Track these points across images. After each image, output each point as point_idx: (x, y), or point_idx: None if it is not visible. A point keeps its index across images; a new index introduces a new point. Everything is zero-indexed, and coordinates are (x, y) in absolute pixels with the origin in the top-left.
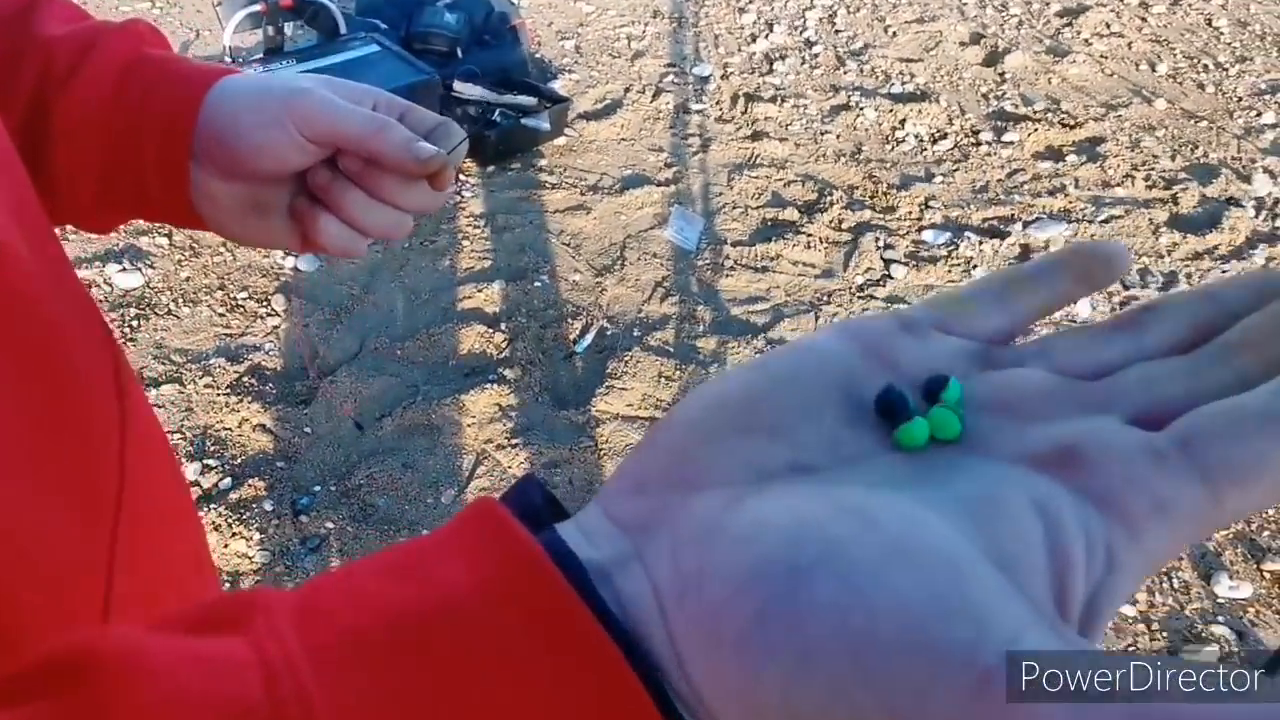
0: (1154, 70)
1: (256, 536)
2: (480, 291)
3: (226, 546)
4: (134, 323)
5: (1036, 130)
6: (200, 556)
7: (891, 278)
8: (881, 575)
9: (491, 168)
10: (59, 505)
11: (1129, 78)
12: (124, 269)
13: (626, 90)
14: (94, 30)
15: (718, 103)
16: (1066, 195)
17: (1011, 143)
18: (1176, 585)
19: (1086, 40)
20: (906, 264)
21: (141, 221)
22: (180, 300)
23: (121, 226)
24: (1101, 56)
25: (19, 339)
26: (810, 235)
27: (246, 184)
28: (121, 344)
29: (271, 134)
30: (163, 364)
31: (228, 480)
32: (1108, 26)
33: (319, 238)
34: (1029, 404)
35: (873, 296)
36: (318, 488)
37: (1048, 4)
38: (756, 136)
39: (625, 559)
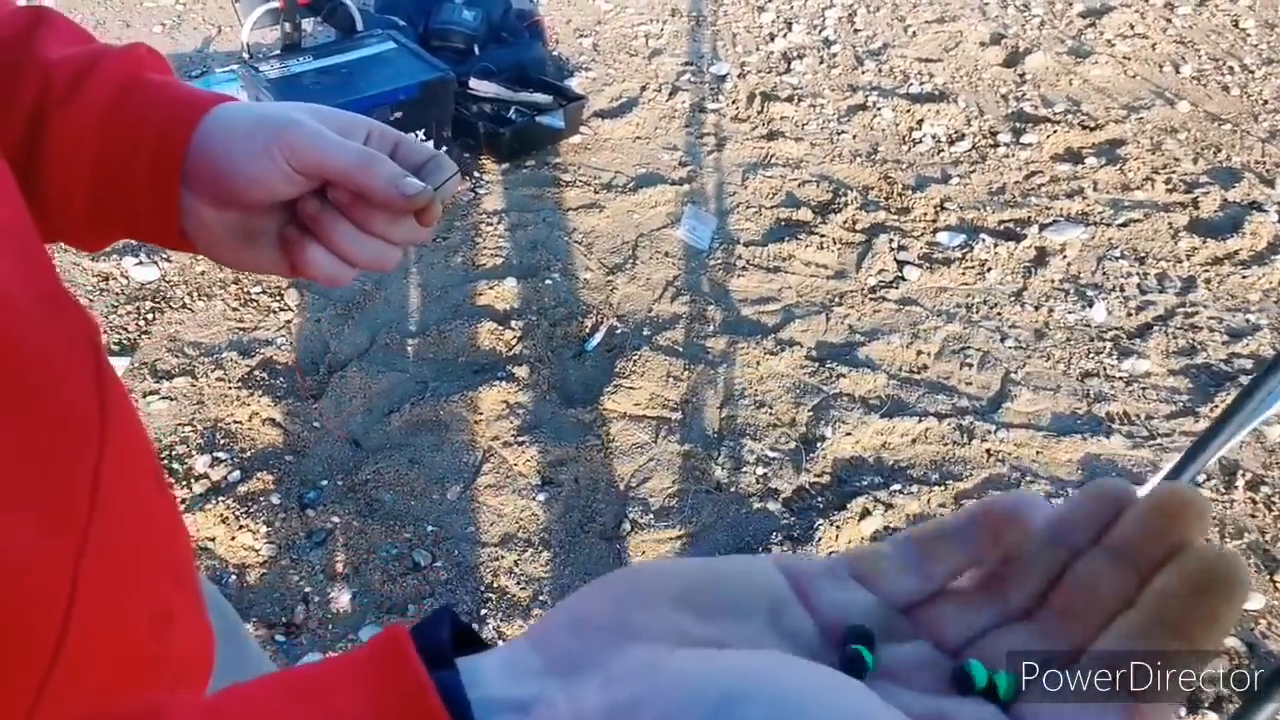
0: (1178, 72)
1: (263, 529)
2: (491, 288)
3: (234, 539)
4: (149, 315)
5: (1056, 132)
6: (181, 570)
7: (905, 279)
8: (807, 706)
9: (506, 165)
10: (23, 515)
11: (1152, 79)
12: (140, 262)
13: (643, 88)
14: (94, 53)
15: (734, 102)
16: (1084, 198)
17: (1030, 144)
18: None
19: (1109, 41)
20: (920, 266)
21: None
22: (195, 294)
23: None
24: (1124, 58)
25: None
26: (824, 236)
27: (237, 211)
28: (136, 336)
29: (262, 165)
30: (176, 356)
31: (236, 473)
32: (1131, 27)
33: (306, 267)
34: (908, 675)
35: (885, 298)
36: (325, 482)
37: (1070, 4)
38: (772, 136)
39: (549, 695)
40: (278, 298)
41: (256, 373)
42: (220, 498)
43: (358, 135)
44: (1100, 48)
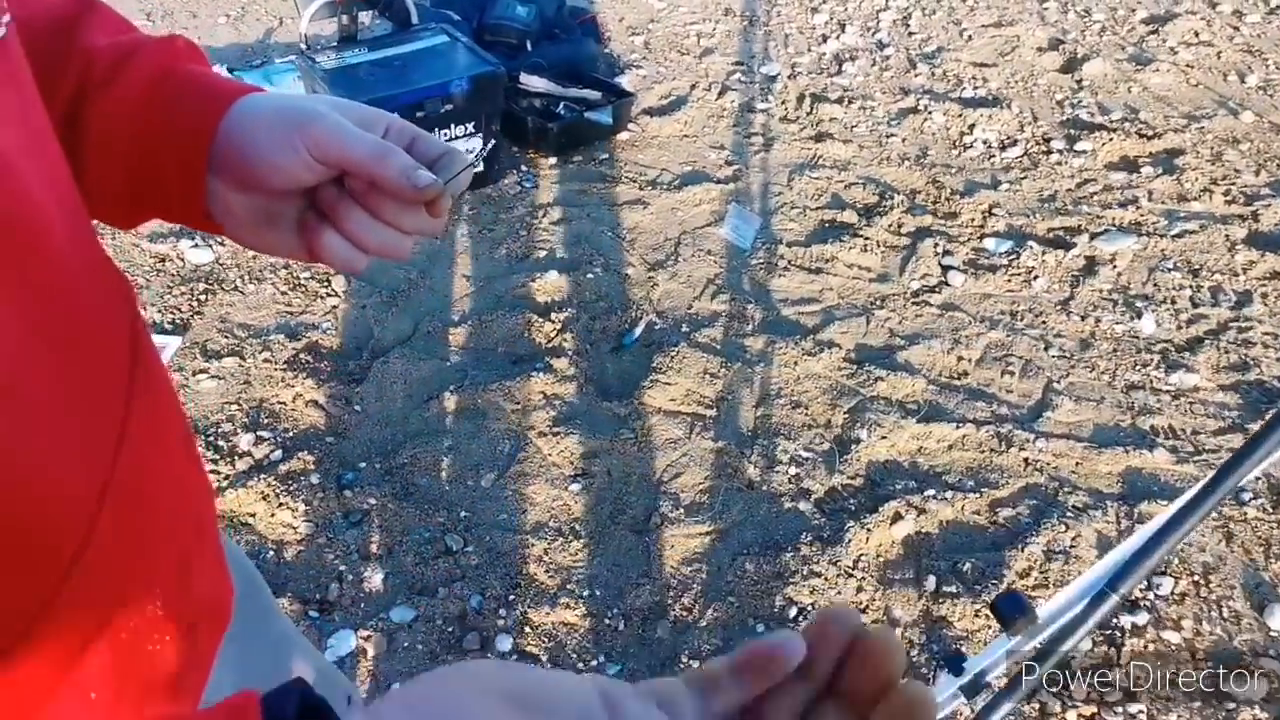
0: (1243, 81)
1: (302, 508)
2: (534, 281)
3: (273, 516)
4: (202, 297)
5: (1111, 140)
6: (202, 523)
7: (948, 285)
8: None
9: (554, 160)
10: (57, 436)
11: (1215, 88)
12: (196, 245)
13: (692, 87)
14: (134, 43)
15: (783, 102)
16: (1138, 208)
17: (1084, 152)
18: (1226, 614)
19: (1172, 49)
20: (965, 271)
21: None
22: (247, 277)
23: None
24: (1187, 66)
25: (39, 284)
26: (868, 239)
27: (260, 196)
28: (189, 316)
29: (284, 153)
30: (226, 337)
31: (279, 452)
32: (1196, 35)
33: (322, 251)
34: None
35: (927, 303)
36: (363, 464)
37: (1133, 11)
38: (820, 137)
39: None
40: (326, 284)
41: (302, 356)
42: (262, 475)
43: (377, 129)
44: (1162, 55)
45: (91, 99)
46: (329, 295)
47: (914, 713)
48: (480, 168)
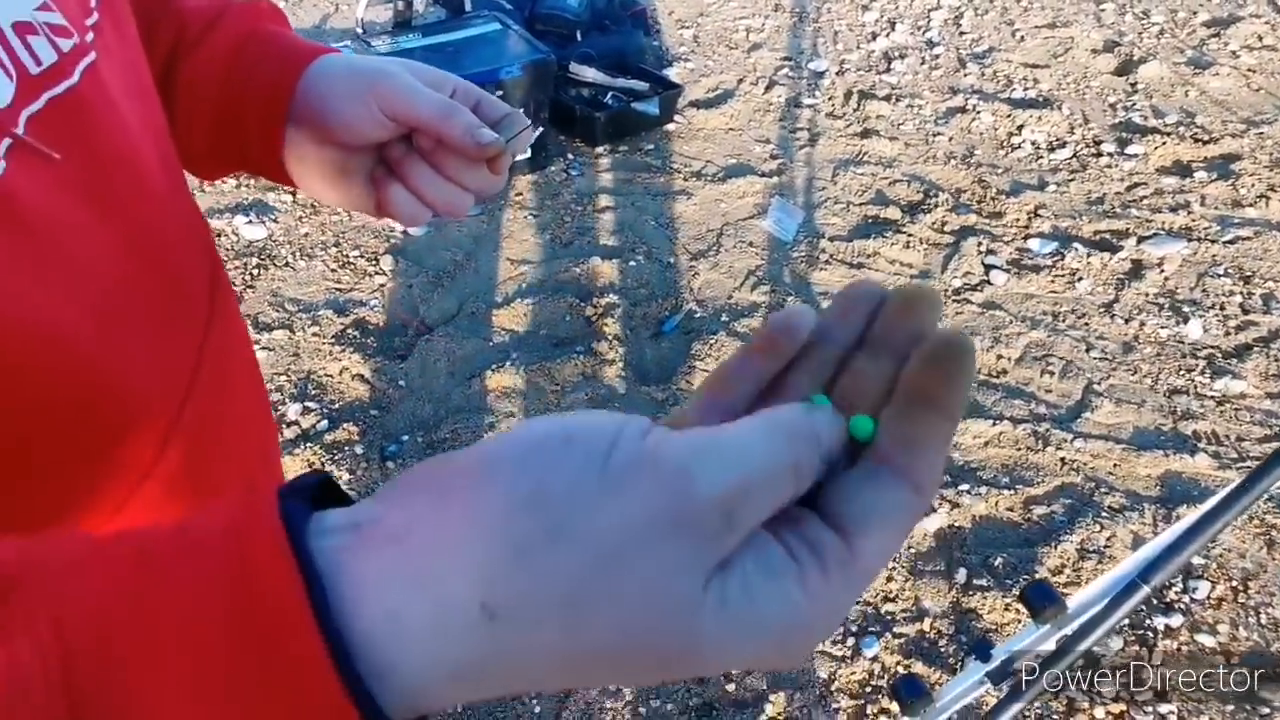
0: None
1: (345, 477)
2: (577, 266)
3: None
4: (254, 271)
5: (1165, 144)
6: (268, 452)
7: (990, 283)
8: (594, 422)
9: (600, 149)
10: (144, 346)
11: (1277, 93)
12: (250, 221)
13: (740, 81)
14: (222, 5)
15: (830, 98)
16: (1190, 213)
17: (1135, 155)
18: (1264, 621)
19: (1234, 52)
20: (1008, 271)
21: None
22: (298, 253)
23: (250, 183)
24: (1249, 70)
25: (138, 216)
26: (911, 235)
27: (334, 151)
28: (241, 290)
29: (356, 110)
30: (276, 311)
31: (324, 423)
32: (1260, 39)
33: (389, 205)
34: None
35: (969, 300)
36: (406, 437)
37: (1194, 13)
38: (866, 134)
39: (380, 510)
40: (374, 262)
41: (350, 331)
42: (308, 444)
43: (444, 90)
44: (1223, 59)
45: (184, 57)
46: (377, 274)
47: (953, 354)
48: (541, 130)
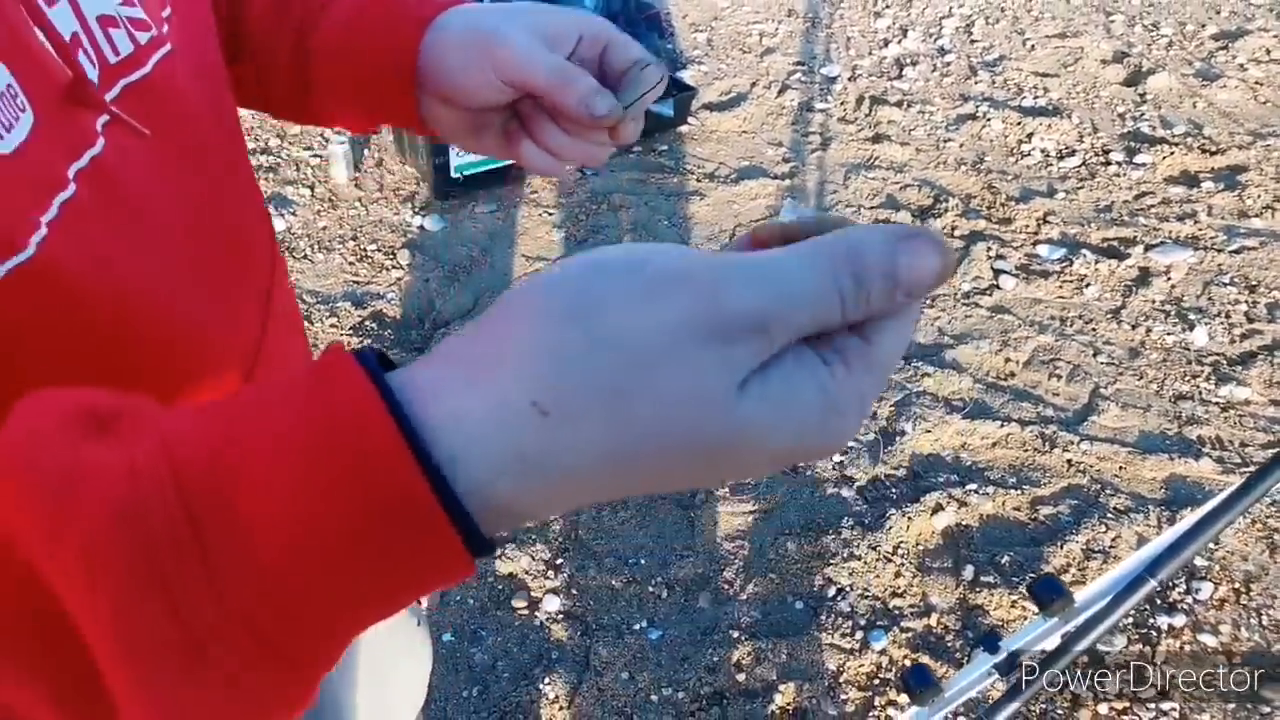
0: None
1: None
2: None
3: None
4: None
5: (1173, 154)
6: None
7: (999, 288)
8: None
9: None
10: (215, 304)
11: None
12: (270, 214)
13: (753, 85)
14: None
15: (842, 103)
16: (1196, 222)
17: (1143, 165)
18: (1266, 622)
19: (1242, 65)
20: (1017, 276)
21: (288, 173)
22: (316, 246)
23: (268, 176)
24: (1256, 83)
25: (199, 191)
26: None
27: (463, 111)
28: None
29: (474, 77)
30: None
31: None
32: (1267, 52)
33: (522, 159)
34: None
35: (978, 304)
36: None
37: (1203, 26)
38: (878, 139)
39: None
40: (391, 256)
41: (367, 323)
42: None
43: (568, 40)
44: (1231, 71)
45: (313, 23)
46: (394, 268)
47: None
48: (670, 73)
